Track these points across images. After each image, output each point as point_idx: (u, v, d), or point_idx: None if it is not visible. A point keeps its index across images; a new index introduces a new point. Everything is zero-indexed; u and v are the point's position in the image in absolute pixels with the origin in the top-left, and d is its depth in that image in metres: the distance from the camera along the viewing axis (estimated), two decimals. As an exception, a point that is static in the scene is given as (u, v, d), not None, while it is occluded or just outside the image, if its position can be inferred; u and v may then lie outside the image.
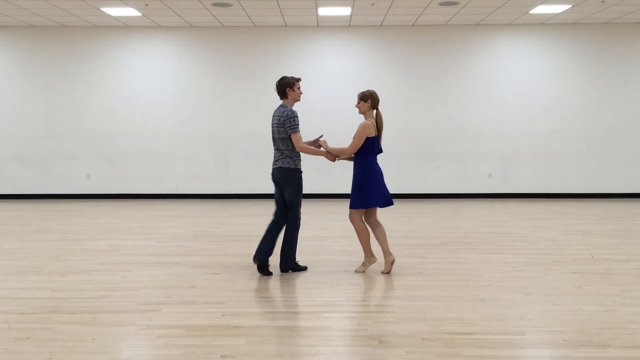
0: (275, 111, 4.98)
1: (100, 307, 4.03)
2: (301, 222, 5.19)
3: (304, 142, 5.02)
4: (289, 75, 5.14)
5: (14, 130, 10.55)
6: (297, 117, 4.90)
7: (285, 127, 4.87)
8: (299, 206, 5.10)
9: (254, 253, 5.06)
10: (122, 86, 10.51)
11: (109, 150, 10.58)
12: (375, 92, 5.00)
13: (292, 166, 4.97)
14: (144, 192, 10.66)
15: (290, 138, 4.89)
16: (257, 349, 3.27)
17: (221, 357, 3.15)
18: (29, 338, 3.44)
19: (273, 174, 5.07)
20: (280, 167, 4.97)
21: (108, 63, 10.49)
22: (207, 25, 10.30)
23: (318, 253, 5.83)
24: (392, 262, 5.05)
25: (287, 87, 4.95)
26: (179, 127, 10.54)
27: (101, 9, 8.93)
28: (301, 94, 5.04)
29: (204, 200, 10.42)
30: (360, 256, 5.57)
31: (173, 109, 10.53)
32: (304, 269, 5.18)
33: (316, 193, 10.58)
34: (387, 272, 5.03)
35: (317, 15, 9.45)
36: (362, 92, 5.00)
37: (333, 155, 5.10)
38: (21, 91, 10.53)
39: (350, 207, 5.01)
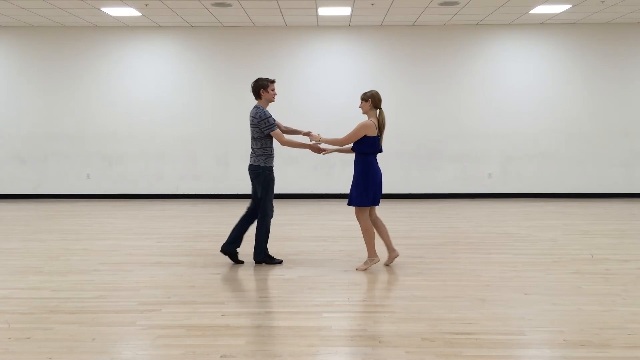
0: (250, 112, 5.27)
1: (100, 307, 4.03)
2: (272, 218, 5.41)
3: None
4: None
5: (14, 130, 10.55)
6: (270, 116, 5.17)
7: (261, 128, 5.16)
8: (268, 202, 5.34)
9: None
10: (122, 86, 10.51)
11: (109, 150, 10.58)
12: (377, 92, 5.17)
13: (262, 164, 5.24)
14: (144, 192, 10.66)
15: (261, 138, 5.19)
16: (257, 349, 3.28)
17: (221, 357, 3.15)
18: (29, 338, 3.44)
19: (248, 170, 5.38)
20: (251, 164, 5.29)
21: (108, 63, 10.48)
22: (207, 25, 10.30)
23: (318, 253, 5.83)
24: (396, 257, 5.31)
25: (260, 88, 5.22)
26: (179, 127, 10.54)
27: (101, 9, 8.93)
28: (275, 95, 5.30)
29: (204, 200, 10.42)
30: (360, 256, 5.59)
31: (173, 109, 10.53)
32: (279, 262, 5.41)
33: (316, 193, 10.59)
34: (388, 264, 5.31)
35: (317, 15, 9.46)
36: (364, 93, 5.18)
37: (319, 147, 5.29)
38: (21, 91, 10.53)
39: (354, 205, 5.13)
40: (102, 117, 10.53)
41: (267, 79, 5.25)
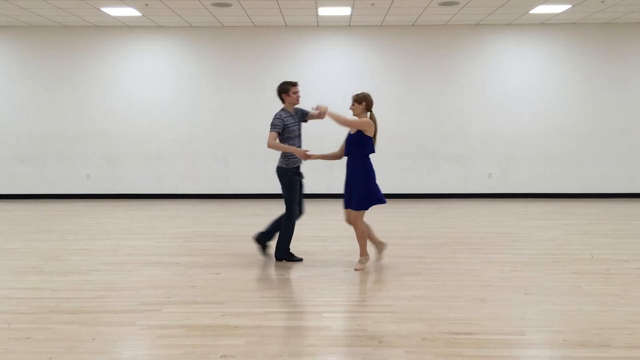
0: None
1: (100, 307, 4.04)
2: (297, 218, 5.51)
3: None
4: (289, 79, 5.64)
5: (14, 130, 10.55)
6: (279, 119, 5.24)
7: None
8: (292, 202, 5.42)
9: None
10: (122, 86, 10.51)
11: (109, 150, 10.59)
12: (369, 95, 5.08)
13: (284, 165, 5.39)
14: (144, 192, 10.66)
15: (282, 140, 5.27)
16: (257, 349, 3.27)
17: (221, 357, 3.15)
18: (29, 338, 3.44)
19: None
20: (277, 166, 5.47)
21: (108, 63, 10.49)
22: (207, 25, 10.30)
23: (318, 253, 5.83)
24: (385, 248, 5.36)
25: (282, 93, 5.35)
26: (179, 127, 10.55)
27: (101, 9, 8.93)
28: (298, 97, 5.36)
29: (204, 200, 10.42)
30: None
31: (173, 109, 10.53)
32: (299, 260, 5.49)
33: (316, 193, 10.58)
34: (380, 259, 5.34)
35: (317, 15, 9.46)
36: (357, 94, 5.08)
37: (305, 154, 5.22)
38: (21, 91, 10.53)
39: (356, 209, 5.07)
40: (102, 117, 10.53)
41: (289, 82, 5.34)
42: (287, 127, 5.27)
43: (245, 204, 9.94)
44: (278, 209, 6.01)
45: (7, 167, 10.60)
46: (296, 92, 5.33)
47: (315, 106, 5.35)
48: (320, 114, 5.24)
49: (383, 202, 5.11)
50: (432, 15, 9.49)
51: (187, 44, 10.48)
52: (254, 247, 6.07)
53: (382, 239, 5.38)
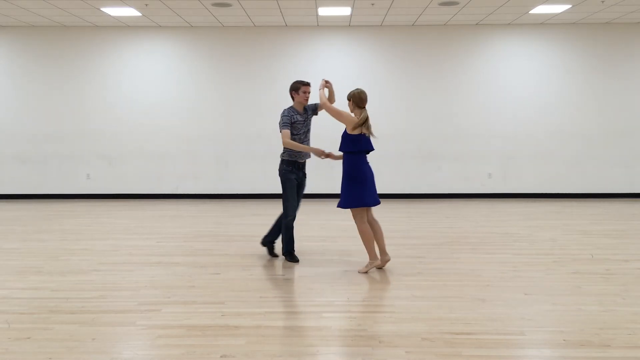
0: None
1: (100, 307, 4.04)
2: (293, 219, 5.42)
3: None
4: (289, 79, 5.68)
5: (14, 130, 10.55)
6: (287, 116, 5.28)
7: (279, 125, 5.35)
8: (286, 201, 5.40)
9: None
10: (122, 86, 10.51)
11: (109, 150, 10.59)
12: (358, 92, 5.03)
13: (283, 158, 5.41)
14: (144, 192, 10.66)
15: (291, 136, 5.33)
16: (257, 349, 3.27)
17: (221, 357, 3.15)
18: (29, 338, 3.44)
19: None
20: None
21: (108, 63, 10.49)
22: (207, 25, 10.30)
23: (318, 253, 5.82)
24: (387, 262, 5.16)
25: (292, 90, 5.42)
26: (179, 127, 10.55)
27: (101, 9, 8.93)
28: (306, 97, 5.40)
29: (204, 200, 10.42)
30: (360, 256, 5.59)
31: (173, 109, 10.53)
32: (296, 261, 5.44)
33: (316, 193, 10.58)
34: (380, 267, 5.18)
35: (317, 15, 9.46)
36: (350, 92, 5.09)
37: (323, 153, 5.23)
38: (21, 91, 10.53)
39: (344, 207, 5.02)
40: (102, 117, 10.53)
41: (301, 81, 5.40)
42: (294, 123, 5.30)
43: (244, 204, 9.93)
44: (277, 209, 6.01)
45: (7, 167, 10.60)
46: (306, 92, 5.37)
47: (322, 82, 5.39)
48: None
49: (367, 204, 4.97)
50: (432, 15, 9.49)
51: (187, 44, 10.48)
52: (254, 247, 6.08)
53: (386, 255, 5.13)
